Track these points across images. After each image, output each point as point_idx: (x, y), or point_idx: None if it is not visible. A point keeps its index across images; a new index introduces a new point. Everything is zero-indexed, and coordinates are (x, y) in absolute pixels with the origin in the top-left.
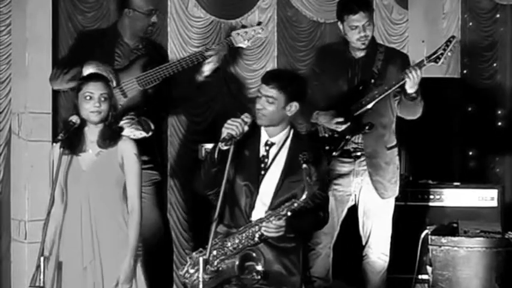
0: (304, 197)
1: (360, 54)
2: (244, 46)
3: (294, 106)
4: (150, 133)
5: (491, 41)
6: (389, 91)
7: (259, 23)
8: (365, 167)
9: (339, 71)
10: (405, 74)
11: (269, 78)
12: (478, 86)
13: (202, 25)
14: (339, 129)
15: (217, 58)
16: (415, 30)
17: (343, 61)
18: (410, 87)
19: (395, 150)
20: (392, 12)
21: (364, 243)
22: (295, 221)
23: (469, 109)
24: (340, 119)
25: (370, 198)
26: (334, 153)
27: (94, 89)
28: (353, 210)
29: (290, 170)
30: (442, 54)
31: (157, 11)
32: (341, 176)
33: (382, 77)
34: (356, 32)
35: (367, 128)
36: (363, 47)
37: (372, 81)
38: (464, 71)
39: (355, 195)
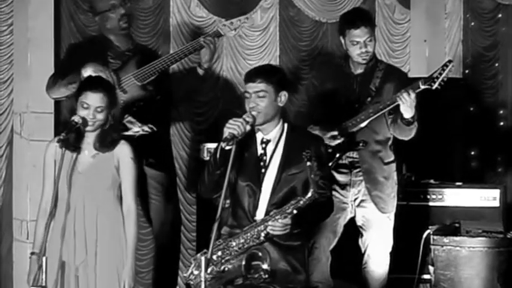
0: (309, 194)
1: (360, 70)
2: (231, 35)
3: (284, 96)
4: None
5: (493, 40)
6: (383, 110)
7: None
8: (361, 178)
9: (336, 85)
10: (398, 96)
11: (253, 74)
12: (479, 86)
13: (204, 25)
14: (332, 144)
15: (209, 50)
16: (417, 30)
17: (342, 76)
18: (407, 112)
19: (393, 165)
20: (394, 12)
21: (363, 251)
22: (301, 217)
23: (471, 109)
24: (334, 133)
25: (368, 211)
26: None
27: (91, 101)
28: (353, 218)
29: (287, 163)
30: (437, 77)
31: (123, 2)
32: (338, 184)
33: (379, 94)
34: (357, 47)
35: (360, 145)
36: (364, 62)
37: (369, 99)
38: (466, 71)
39: (352, 204)
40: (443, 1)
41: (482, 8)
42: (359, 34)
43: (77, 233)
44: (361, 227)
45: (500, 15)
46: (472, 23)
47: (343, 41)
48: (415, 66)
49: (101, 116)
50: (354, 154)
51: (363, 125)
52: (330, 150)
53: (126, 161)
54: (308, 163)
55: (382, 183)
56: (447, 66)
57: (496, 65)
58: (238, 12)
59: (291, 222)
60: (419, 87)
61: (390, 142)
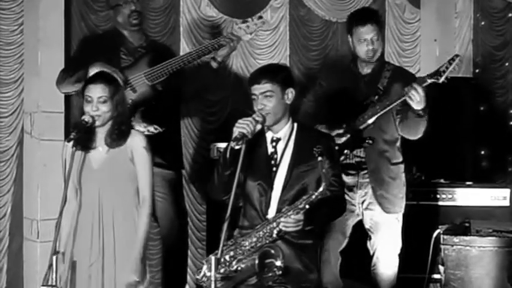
0: (321, 189)
1: (367, 70)
2: (246, 39)
3: (290, 93)
4: (163, 128)
5: (503, 40)
6: (390, 106)
7: (259, 17)
8: (368, 179)
9: (344, 85)
10: (406, 92)
11: (258, 76)
12: (490, 85)
13: (214, 24)
14: (339, 142)
15: (229, 47)
16: (427, 30)
17: (349, 76)
18: (417, 105)
19: (401, 166)
20: (404, 12)
21: (371, 254)
22: (313, 213)
23: (481, 108)
24: (340, 131)
25: (376, 213)
26: None
27: (92, 92)
28: (361, 221)
29: (298, 160)
30: (444, 71)
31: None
32: (346, 186)
33: (387, 94)
34: (364, 44)
35: (367, 141)
36: (370, 60)
37: (376, 97)
38: (477, 71)
39: (359, 206)
40: (454, 0)
41: (493, 7)
42: (366, 31)
43: (93, 231)
44: (369, 230)
45: (510, 15)
46: (482, 23)
47: (350, 40)
48: (425, 66)
49: (104, 108)
50: (361, 154)
51: (370, 121)
52: (337, 148)
53: (140, 151)
54: (319, 158)
55: (388, 183)
56: (454, 60)
57: (506, 64)
58: (248, 12)
59: (304, 218)
60: (425, 81)
61: (398, 143)
